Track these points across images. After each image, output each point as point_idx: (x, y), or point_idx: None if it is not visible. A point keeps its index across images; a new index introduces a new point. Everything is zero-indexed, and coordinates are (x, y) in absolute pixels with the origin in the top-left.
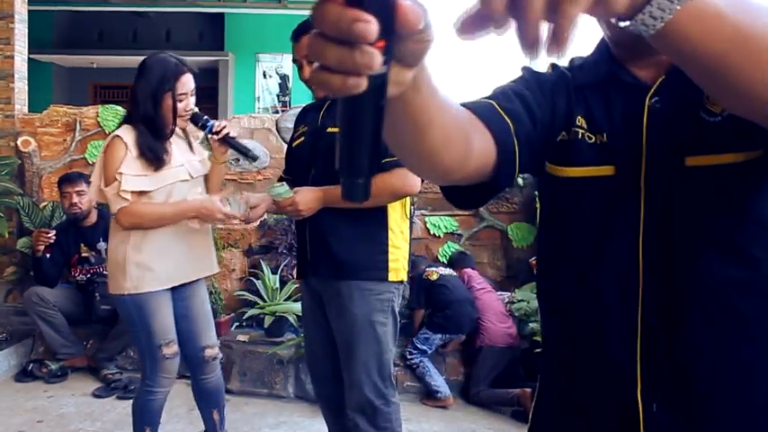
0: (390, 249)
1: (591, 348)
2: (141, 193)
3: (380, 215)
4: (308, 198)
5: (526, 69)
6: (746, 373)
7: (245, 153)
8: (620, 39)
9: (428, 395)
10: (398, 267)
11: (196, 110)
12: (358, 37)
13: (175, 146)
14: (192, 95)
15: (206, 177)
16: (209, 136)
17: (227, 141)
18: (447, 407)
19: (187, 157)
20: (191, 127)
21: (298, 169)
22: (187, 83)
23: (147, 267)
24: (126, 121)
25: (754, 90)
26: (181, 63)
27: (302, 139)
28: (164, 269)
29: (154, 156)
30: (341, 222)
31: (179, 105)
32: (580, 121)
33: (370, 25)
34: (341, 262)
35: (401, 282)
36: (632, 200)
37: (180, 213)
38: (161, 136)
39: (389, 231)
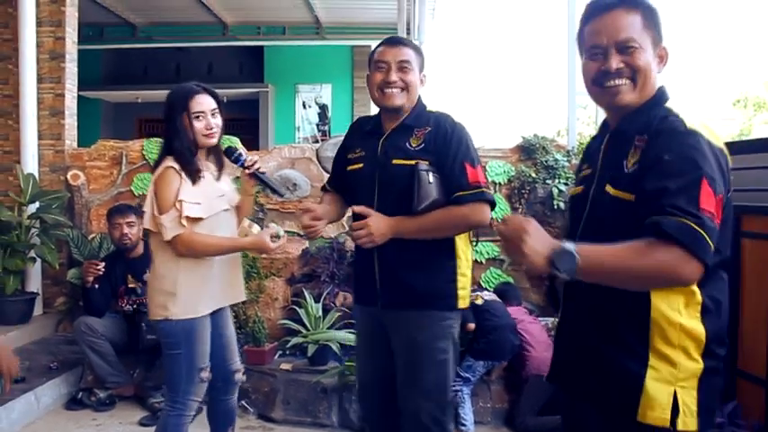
0: (459, 277)
1: None
2: (195, 219)
3: (449, 243)
4: (382, 225)
5: None
6: None
7: (273, 189)
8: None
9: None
10: (465, 295)
11: (230, 142)
12: None
13: (212, 176)
14: (212, 115)
15: (236, 207)
16: (241, 170)
17: (257, 176)
18: None
19: (225, 187)
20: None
21: (355, 196)
22: (203, 102)
23: (198, 293)
24: (166, 152)
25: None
26: (198, 85)
27: (360, 165)
28: (210, 294)
29: (193, 169)
30: (412, 251)
31: (197, 124)
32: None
33: None
34: (413, 291)
35: (464, 309)
36: None
37: (236, 247)
38: (190, 154)
39: (457, 259)
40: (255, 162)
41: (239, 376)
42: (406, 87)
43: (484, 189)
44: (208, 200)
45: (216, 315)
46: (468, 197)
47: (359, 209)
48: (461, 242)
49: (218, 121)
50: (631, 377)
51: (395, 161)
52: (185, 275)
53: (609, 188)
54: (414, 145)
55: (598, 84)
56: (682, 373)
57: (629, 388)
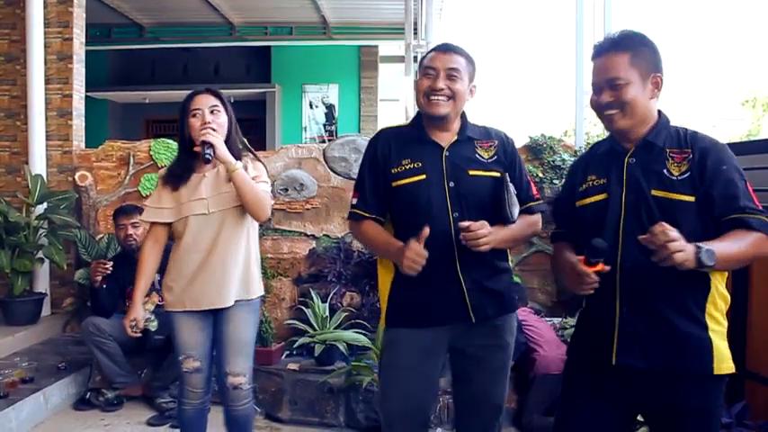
0: (514, 276)
1: None
2: (166, 223)
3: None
4: (493, 239)
5: None
6: None
7: (204, 154)
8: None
9: None
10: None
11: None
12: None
13: (210, 178)
14: (211, 112)
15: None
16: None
17: (202, 143)
18: None
19: (218, 190)
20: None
21: (416, 210)
22: (201, 100)
23: (169, 289)
24: None
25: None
26: (203, 88)
27: (423, 176)
28: (178, 292)
29: (176, 172)
30: (487, 259)
31: (192, 120)
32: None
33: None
34: (501, 297)
35: None
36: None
37: (138, 287)
38: (190, 155)
39: (509, 257)
40: (207, 133)
41: (231, 380)
42: (452, 96)
43: (541, 201)
44: (178, 204)
45: (217, 314)
46: (536, 207)
47: (467, 225)
48: None
49: (219, 119)
50: (703, 341)
51: (471, 172)
52: (167, 272)
53: (656, 192)
54: (486, 157)
55: (598, 112)
56: (723, 329)
57: (704, 349)
